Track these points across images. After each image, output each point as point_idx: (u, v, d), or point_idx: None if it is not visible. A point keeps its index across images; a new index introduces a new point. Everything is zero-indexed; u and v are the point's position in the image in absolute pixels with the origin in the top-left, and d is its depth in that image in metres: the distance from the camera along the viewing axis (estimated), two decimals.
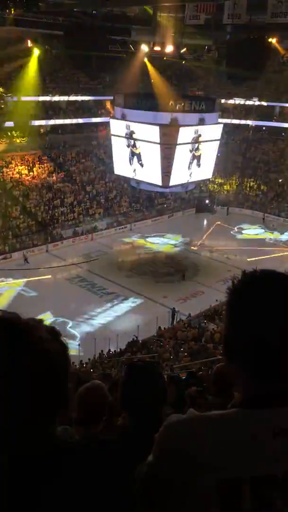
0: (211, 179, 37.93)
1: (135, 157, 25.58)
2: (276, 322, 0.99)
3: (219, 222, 39.03)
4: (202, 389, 4.84)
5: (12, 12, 32.40)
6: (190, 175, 26.14)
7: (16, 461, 0.95)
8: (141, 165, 25.39)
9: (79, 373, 12.68)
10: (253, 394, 1.01)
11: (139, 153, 25.28)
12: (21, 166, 37.37)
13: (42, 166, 38.45)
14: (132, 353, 18.74)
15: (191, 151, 25.22)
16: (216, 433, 0.98)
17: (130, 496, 1.03)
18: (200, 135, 25.31)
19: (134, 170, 26.05)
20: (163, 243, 35.17)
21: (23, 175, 36.75)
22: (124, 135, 25.74)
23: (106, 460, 1.05)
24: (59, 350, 1.02)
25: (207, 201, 42.82)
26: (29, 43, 40.53)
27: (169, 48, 41.53)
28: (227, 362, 1.10)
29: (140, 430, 1.66)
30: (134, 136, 25.12)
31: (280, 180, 43.51)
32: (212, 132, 26.36)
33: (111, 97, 39.31)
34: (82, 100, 43.04)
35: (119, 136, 26.34)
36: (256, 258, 30.10)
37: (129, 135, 25.29)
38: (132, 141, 25.23)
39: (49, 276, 28.36)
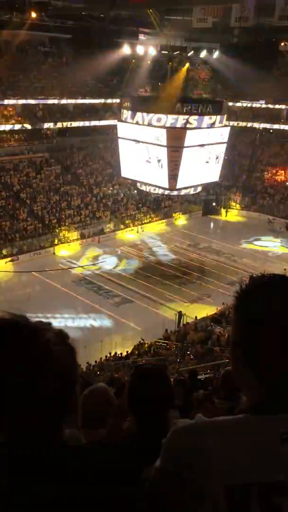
0: (218, 182, 37.93)
1: (143, 160, 25.61)
2: (284, 327, 0.99)
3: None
4: (209, 392, 4.83)
5: (22, 16, 32.58)
6: (197, 178, 26.13)
7: (23, 463, 0.96)
8: (148, 167, 25.41)
9: (85, 376, 12.69)
10: (261, 399, 1.01)
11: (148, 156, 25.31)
12: (28, 168, 37.56)
13: (50, 168, 38.61)
14: (138, 355, 18.73)
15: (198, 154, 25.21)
16: (224, 439, 0.97)
17: (137, 501, 1.03)
18: (207, 138, 25.31)
19: (141, 173, 26.09)
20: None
21: (30, 178, 36.94)
22: (131, 138, 25.79)
23: (112, 464, 1.05)
24: (67, 352, 1.02)
25: (214, 204, 42.78)
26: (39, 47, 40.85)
27: (177, 51, 41.65)
28: (234, 366, 1.09)
29: (147, 434, 1.66)
30: (142, 139, 25.15)
31: (287, 183, 43.37)
32: (219, 134, 26.34)
33: (119, 100, 39.43)
34: (89, 103, 43.19)
35: (126, 139, 26.40)
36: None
37: (137, 138, 25.33)
38: (140, 144, 25.26)
39: (56, 279, 28.42)
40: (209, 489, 0.94)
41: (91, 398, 2.74)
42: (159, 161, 24.70)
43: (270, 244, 35.52)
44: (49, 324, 1.05)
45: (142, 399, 1.89)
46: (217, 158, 26.88)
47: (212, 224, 40.49)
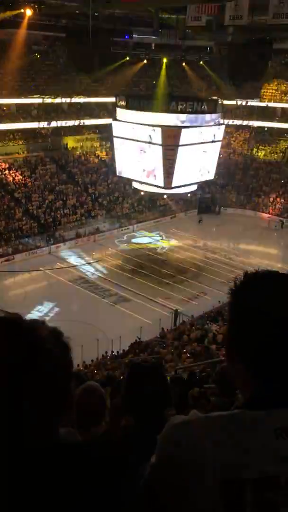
0: (213, 180, 37.94)
1: (138, 159, 25.59)
2: (278, 322, 0.99)
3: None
4: (204, 390, 4.84)
5: (15, 14, 32.40)
6: (192, 176, 26.15)
7: (18, 462, 0.95)
8: (143, 166, 25.40)
9: (81, 374, 12.66)
10: (255, 395, 1.01)
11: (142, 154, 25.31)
12: (23, 168, 37.45)
13: (44, 168, 38.50)
14: (135, 354, 18.72)
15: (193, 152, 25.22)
16: (218, 434, 0.97)
17: (132, 498, 1.03)
18: (202, 136, 25.33)
19: (136, 171, 26.07)
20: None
21: (25, 177, 36.83)
22: (126, 136, 25.77)
23: (109, 461, 1.05)
24: (62, 350, 1.02)
25: (209, 202, 42.81)
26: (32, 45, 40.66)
27: (171, 49, 41.64)
28: (229, 363, 1.09)
29: (144, 432, 1.65)
30: (136, 137, 25.13)
31: (282, 181, 43.47)
32: (214, 133, 26.37)
33: (113, 99, 39.32)
34: (84, 102, 43.08)
35: (121, 137, 26.38)
36: None
37: (132, 137, 25.31)
38: (136, 143, 25.25)
39: (51, 278, 28.37)
40: (204, 485, 0.94)
41: (84, 397, 2.74)
42: (154, 160, 24.70)
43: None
44: (43, 322, 1.04)
45: (138, 397, 1.89)
46: (212, 156, 26.93)
47: (207, 223, 40.49)
